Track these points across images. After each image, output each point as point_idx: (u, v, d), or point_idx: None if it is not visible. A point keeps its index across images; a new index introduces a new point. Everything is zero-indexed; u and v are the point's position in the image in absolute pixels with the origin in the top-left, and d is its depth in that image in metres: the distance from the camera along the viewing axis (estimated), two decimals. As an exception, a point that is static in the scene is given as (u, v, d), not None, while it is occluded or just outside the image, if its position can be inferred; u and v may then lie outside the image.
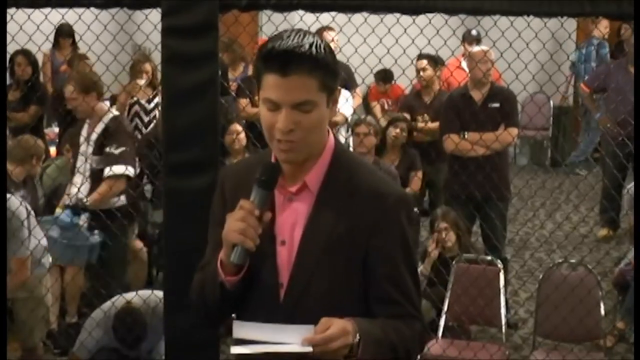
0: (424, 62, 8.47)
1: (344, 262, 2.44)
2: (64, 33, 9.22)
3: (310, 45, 2.33)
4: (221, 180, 2.63)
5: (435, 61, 8.61)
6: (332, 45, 8.73)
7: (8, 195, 5.74)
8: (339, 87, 7.75)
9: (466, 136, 6.99)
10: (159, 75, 7.89)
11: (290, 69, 2.31)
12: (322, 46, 2.36)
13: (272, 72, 2.33)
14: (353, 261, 2.45)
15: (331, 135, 2.51)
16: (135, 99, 8.13)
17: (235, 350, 2.36)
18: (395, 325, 2.44)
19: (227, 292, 2.44)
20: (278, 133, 2.36)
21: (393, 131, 7.86)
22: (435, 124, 8.11)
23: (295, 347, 2.30)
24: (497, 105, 7.03)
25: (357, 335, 2.31)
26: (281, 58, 2.32)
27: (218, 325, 2.92)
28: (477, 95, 7.08)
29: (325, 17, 5.18)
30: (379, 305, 2.47)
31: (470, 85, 7.19)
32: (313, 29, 5.17)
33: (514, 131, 7.10)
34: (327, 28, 8.66)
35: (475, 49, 7.61)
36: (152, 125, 7.94)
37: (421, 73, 8.58)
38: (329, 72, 2.37)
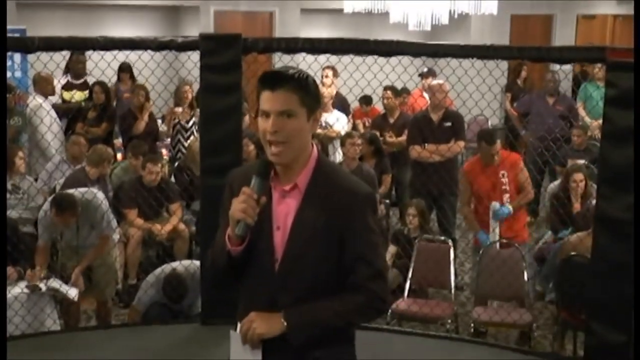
0: (388, 92, 8.42)
1: (324, 243, 2.42)
2: (124, 69, 9.16)
3: (294, 72, 2.38)
4: (229, 182, 2.58)
5: (397, 92, 8.55)
6: (329, 80, 8.81)
7: (94, 190, 5.81)
8: (332, 109, 7.63)
9: (426, 147, 6.97)
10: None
11: (277, 85, 2.35)
12: (304, 75, 2.40)
13: (265, 89, 2.37)
14: (331, 242, 2.42)
15: (315, 148, 2.49)
16: (177, 120, 8.13)
17: None
18: (335, 304, 2.42)
19: (232, 259, 2.44)
20: (267, 135, 2.37)
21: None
22: (399, 139, 8.09)
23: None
24: (449, 124, 7.02)
25: (284, 321, 2.37)
26: (272, 78, 2.37)
27: (226, 287, 2.91)
28: (435, 117, 7.05)
29: (322, 58, 5.14)
30: (345, 276, 2.44)
31: (430, 109, 7.17)
32: (313, 67, 5.17)
33: (462, 144, 7.10)
34: (327, 67, 8.65)
35: (434, 82, 7.58)
36: (191, 138, 7.91)
37: (385, 101, 8.54)
38: (308, 92, 2.39)
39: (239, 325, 2.46)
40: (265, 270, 2.44)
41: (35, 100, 7.64)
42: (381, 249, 2.54)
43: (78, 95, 8.55)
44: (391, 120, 8.47)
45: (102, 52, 4.94)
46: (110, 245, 5.92)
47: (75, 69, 8.57)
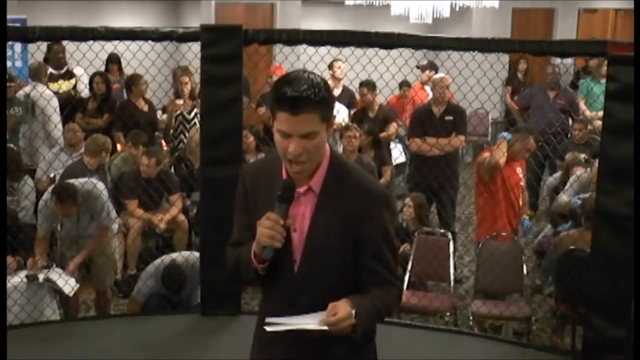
0: (364, 89, 8.22)
1: (340, 245, 2.44)
2: (112, 60, 9.10)
3: (313, 89, 2.30)
4: (242, 176, 2.60)
5: (374, 87, 8.25)
6: (339, 71, 8.73)
7: (94, 180, 5.78)
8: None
9: (426, 140, 6.96)
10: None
11: (299, 109, 2.28)
12: (321, 86, 2.33)
13: (285, 111, 2.30)
14: (347, 242, 2.44)
15: (327, 146, 2.48)
16: (179, 111, 8.11)
17: (269, 328, 2.36)
18: (379, 295, 2.46)
19: (259, 274, 2.47)
20: (290, 155, 2.34)
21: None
22: (382, 134, 7.97)
23: (314, 326, 2.33)
24: (451, 118, 7.01)
25: (355, 313, 2.34)
26: (291, 102, 2.29)
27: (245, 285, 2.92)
28: (436, 110, 7.05)
29: (322, 50, 5.12)
30: (365, 274, 2.47)
31: (432, 102, 7.17)
32: (314, 59, 5.15)
33: (462, 137, 7.10)
34: (336, 59, 8.54)
35: (436, 76, 7.56)
36: (193, 130, 7.89)
37: (362, 97, 8.35)
38: (326, 106, 2.35)
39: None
40: (285, 272, 2.47)
41: (35, 90, 7.62)
42: (396, 247, 2.56)
43: (65, 85, 8.47)
44: (371, 115, 8.39)
45: (102, 42, 4.93)
46: (110, 236, 5.92)
47: (54, 59, 8.44)
